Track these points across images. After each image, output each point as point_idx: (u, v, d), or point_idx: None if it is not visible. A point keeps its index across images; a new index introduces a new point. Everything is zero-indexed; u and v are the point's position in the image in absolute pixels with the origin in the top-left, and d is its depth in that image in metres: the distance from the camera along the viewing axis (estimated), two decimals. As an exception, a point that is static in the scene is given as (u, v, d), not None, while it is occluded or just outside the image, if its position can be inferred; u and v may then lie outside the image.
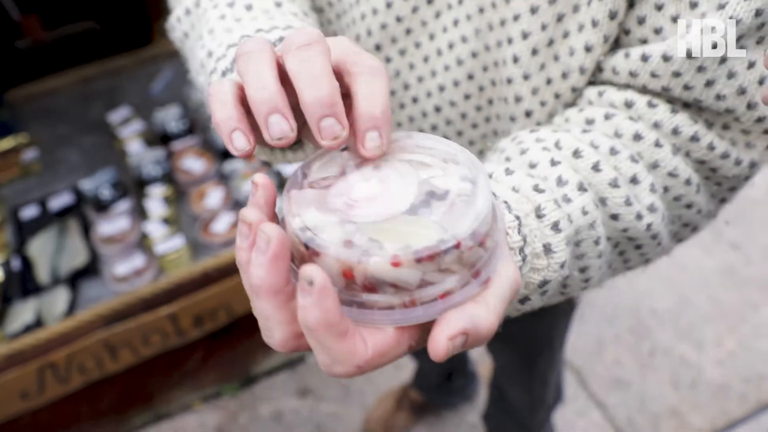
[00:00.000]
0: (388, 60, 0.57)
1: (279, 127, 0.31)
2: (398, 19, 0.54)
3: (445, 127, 0.59)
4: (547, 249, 0.39)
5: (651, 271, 1.92)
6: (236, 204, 1.67)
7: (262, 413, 1.66)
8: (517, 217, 0.38)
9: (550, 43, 0.49)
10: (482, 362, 1.67)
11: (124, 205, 1.63)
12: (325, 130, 0.31)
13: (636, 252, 0.49)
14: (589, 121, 0.48)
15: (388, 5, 0.54)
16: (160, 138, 1.77)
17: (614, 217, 0.44)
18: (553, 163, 0.44)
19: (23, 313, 1.47)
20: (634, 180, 0.45)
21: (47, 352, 1.40)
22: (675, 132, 0.47)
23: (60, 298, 1.51)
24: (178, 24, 0.56)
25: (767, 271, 1.88)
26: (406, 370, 1.69)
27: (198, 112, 1.83)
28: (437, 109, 0.58)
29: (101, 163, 1.72)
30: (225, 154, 1.72)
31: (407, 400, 1.59)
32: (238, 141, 0.32)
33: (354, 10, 0.56)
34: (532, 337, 0.99)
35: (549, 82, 0.51)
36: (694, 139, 0.47)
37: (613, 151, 0.45)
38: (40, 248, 1.60)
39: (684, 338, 1.75)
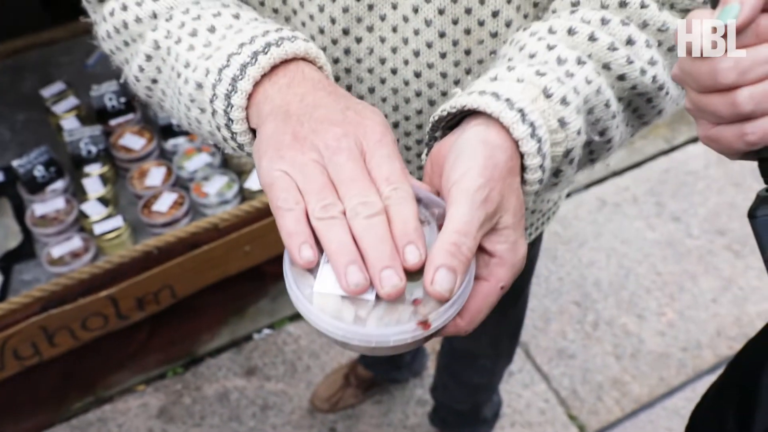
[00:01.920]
0: (358, 40, 0.57)
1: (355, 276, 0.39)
2: None
3: (428, 90, 0.59)
4: (562, 122, 0.44)
5: (594, 243, 1.95)
6: (178, 182, 1.62)
7: (207, 394, 1.65)
8: (520, 110, 0.43)
9: None
10: (430, 337, 1.69)
11: (59, 184, 1.57)
12: (385, 280, 0.38)
13: (648, 105, 0.53)
14: (574, 3, 0.52)
15: None
16: (96, 114, 1.70)
17: (621, 77, 0.49)
18: (550, 47, 0.48)
19: (-48, 298, 1.42)
20: (629, 41, 0.49)
21: (-21, 338, 1.35)
22: None
23: (-8, 281, 1.45)
24: (141, 74, 0.55)
25: (706, 242, 1.94)
26: (354, 347, 1.70)
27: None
28: (417, 75, 0.58)
29: (34, 140, 1.65)
30: (166, 131, 1.67)
31: (354, 376, 1.59)
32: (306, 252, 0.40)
33: (308, 6, 0.56)
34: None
35: None
36: None
37: (604, 21, 0.49)
38: (-30, 230, 1.53)
39: (626, 310, 1.80)
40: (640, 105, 0.53)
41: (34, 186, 1.55)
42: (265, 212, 1.52)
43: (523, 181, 0.45)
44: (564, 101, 0.44)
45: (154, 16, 0.53)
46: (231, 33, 0.49)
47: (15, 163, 1.53)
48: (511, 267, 0.43)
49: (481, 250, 0.43)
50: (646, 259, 1.91)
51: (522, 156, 0.43)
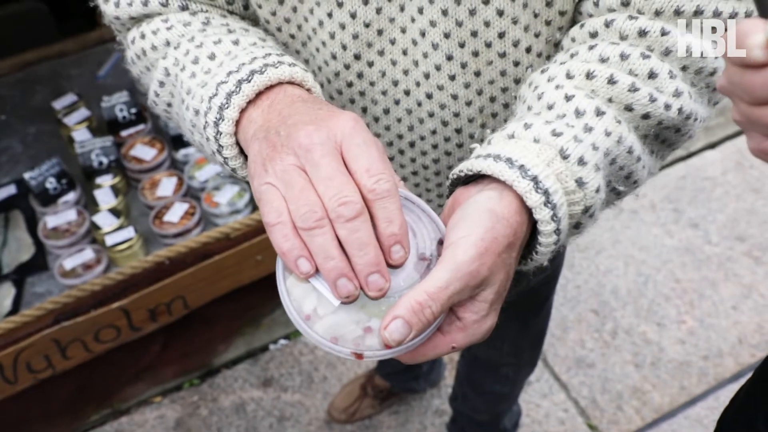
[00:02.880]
0: (370, 64, 0.58)
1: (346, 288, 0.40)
2: (366, 25, 0.55)
3: (440, 111, 0.60)
4: (580, 182, 0.44)
5: (612, 250, 1.92)
6: (189, 192, 1.61)
7: (224, 405, 1.63)
8: (534, 178, 0.42)
9: None
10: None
11: (71, 196, 1.56)
12: (371, 284, 0.40)
13: (677, 134, 0.52)
14: (593, 35, 0.50)
15: (353, 16, 0.55)
16: (108, 126, 1.70)
17: (645, 116, 0.47)
18: (568, 98, 0.47)
19: (-35, 311, 1.41)
20: (651, 75, 0.47)
21: (-8, 352, 1.34)
22: (677, 12, 0.47)
23: (5, 294, 1.44)
24: (157, 99, 0.58)
25: (725, 249, 1.90)
26: (369, 357, 1.67)
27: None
28: (428, 96, 0.59)
29: (46, 152, 1.65)
30: (177, 141, 1.66)
31: (371, 387, 1.57)
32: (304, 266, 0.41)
33: (320, 34, 0.57)
34: (532, 291, 0.98)
35: (536, 15, 0.53)
36: (698, 12, 0.47)
37: (623, 56, 0.47)
38: (-17, 243, 1.53)
39: (645, 318, 1.76)
40: (668, 136, 0.51)
41: (46, 198, 1.54)
42: (278, 222, 1.51)
43: (538, 244, 0.45)
44: (581, 161, 0.44)
45: (167, 44, 0.55)
46: (228, 60, 0.50)
47: (27, 175, 1.53)
48: (470, 336, 0.43)
49: (451, 310, 0.43)
50: (664, 266, 1.87)
51: (536, 222, 0.43)
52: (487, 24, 0.53)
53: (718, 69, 0.49)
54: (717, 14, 0.47)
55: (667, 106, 0.47)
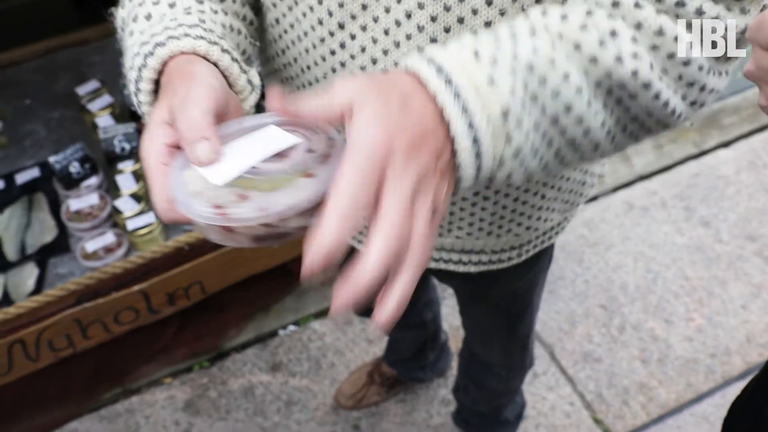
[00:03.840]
0: (352, 36, 0.59)
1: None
2: None
3: None
4: (491, 80, 0.42)
5: (621, 247, 1.93)
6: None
7: (233, 388, 1.67)
8: (435, 65, 0.42)
9: None
10: (454, 336, 1.69)
11: (93, 180, 1.60)
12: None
13: (647, 115, 0.49)
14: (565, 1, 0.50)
15: None
16: (130, 113, 1.73)
17: (593, 60, 0.45)
18: (511, 26, 0.45)
19: (-10, 289, 1.46)
20: (612, 33, 0.45)
21: (16, 330, 1.39)
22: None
23: (28, 274, 1.49)
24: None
25: (736, 248, 1.91)
26: (377, 344, 1.70)
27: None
28: None
29: (69, 137, 1.69)
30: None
31: (379, 374, 1.60)
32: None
33: (304, 21, 0.59)
34: (514, 296, 0.99)
35: (523, 9, 0.53)
36: (680, 4, 0.46)
37: (588, 13, 0.46)
38: (7, 223, 1.57)
39: (653, 314, 1.78)
40: (636, 111, 0.49)
41: (69, 182, 1.58)
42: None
43: (454, 138, 0.42)
44: (494, 62, 0.43)
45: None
46: (148, 27, 0.54)
47: (52, 159, 1.57)
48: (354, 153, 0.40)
49: None
50: (674, 263, 1.89)
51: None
52: (474, 12, 0.54)
53: (693, 61, 0.47)
54: (699, 12, 0.46)
55: (619, 59, 0.45)
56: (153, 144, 0.46)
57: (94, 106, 1.73)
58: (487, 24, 0.54)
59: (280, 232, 0.42)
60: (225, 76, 0.53)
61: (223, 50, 0.52)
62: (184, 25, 0.52)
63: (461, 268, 0.82)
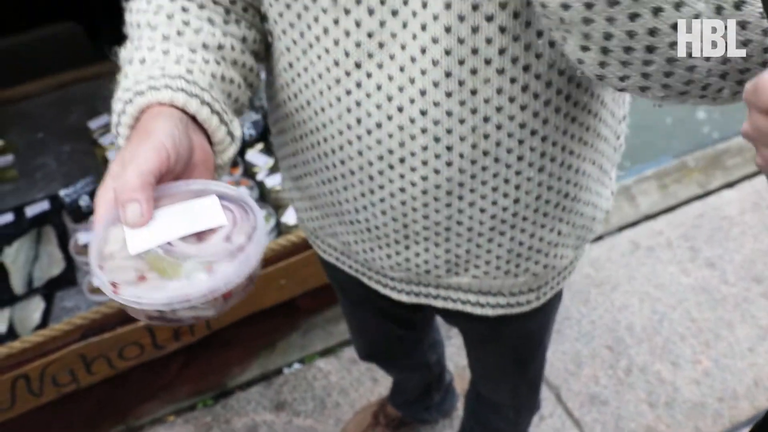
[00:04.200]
0: (369, 75, 0.60)
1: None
2: (369, 35, 0.57)
3: (434, 127, 0.60)
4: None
5: (627, 287, 1.92)
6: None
7: (236, 427, 1.65)
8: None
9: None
10: (459, 377, 1.67)
11: (102, 214, 1.61)
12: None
13: None
14: None
15: (357, 24, 0.57)
16: (141, 147, 1.75)
17: None
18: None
19: (-4, 323, 1.45)
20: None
21: (21, 364, 1.38)
22: None
23: (35, 307, 1.49)
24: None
25: (742, 289, 1.91)
26: (382, 384, 1.69)
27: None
28: (423, 113, 0.60)
29: (80, 171, 1.71)
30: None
31: (384, 415, 1.58)
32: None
33: (324, 41, 0.60)
34: (526, 337, 0.98)
35: (540, 34, 0.55)
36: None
37: None
38: (15, 256, 1.57)
39: (660, 356, 1.77)
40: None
41: (78, 215, 1.59)
42: (302, 246, 1.54)
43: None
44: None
45: (131, 26, 0.64)
46: (138, 72, 0.57)
47: (62, 192, 1.58)
48: None
49: None
50: (680, 304, 1.88)
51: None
52: (488, 41, 0.54)
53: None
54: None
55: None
56: (102, 195, 0.49)
57: (105, 140, 1.75)
58: (501, 52, 0.55)
59: (170, 318, 0.46)
60: (204, 129, 0.55)
61: (203, 102, 0.54)
62: (167, 75, 0.55)
63: (478, 311, 0.81)
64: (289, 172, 0.81)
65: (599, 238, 2.04)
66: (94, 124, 1.79)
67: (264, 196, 1.68)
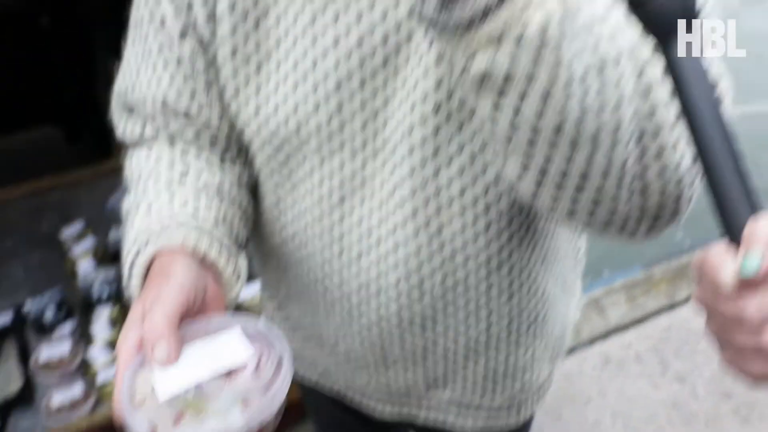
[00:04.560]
0: (351, 211, 0.63)
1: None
2: (353, 175, 0.61)
3: (405, 262, 0.63)
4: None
5: (599, 401, 1.91)
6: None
7: None
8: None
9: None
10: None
11: (67, 327, 1.57)
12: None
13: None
14: None
15: (341, 165, 0.61)
16: (112, 256, 1.74)
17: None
18: None
19: (-56, 447, 1.38)
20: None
21: (-34, 493, 1.30)
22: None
23: (-13, 429, 1.42)
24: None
25: (713, 405, 1.91)
26: None
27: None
28: (395, 248, 0.63)
29: (48, 281, 1.68)
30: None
31: None
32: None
33: (309, 180, 0.63)
34: None
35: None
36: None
37: None
38: (-29, 373, 1.52)
39: (634, 477, 1.74)
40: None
41: (42, 328, 1.55)
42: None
43: None
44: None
45: (133, 177, 0.67)
46: (145, 222, 0.59)
47: (27, 303, 1.55)
48: None
49: None
50: (652, 420, 1.87)
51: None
52: (449, 183, 0.58)
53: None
54: None
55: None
56: (125, 341, 0.50)
57: (76, 250, 1.74)
58: (462, 193, 0.58)
59: None
60: (213, 268, 0.57)
61: (211, 243, 0.57)
62: (175, 220, 0.58)
63: (460, 422, 0.81)
64: (272, 302, 0.83)
65: (571, 351, 2.05)
66: (66, 233, 1.79)
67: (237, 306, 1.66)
